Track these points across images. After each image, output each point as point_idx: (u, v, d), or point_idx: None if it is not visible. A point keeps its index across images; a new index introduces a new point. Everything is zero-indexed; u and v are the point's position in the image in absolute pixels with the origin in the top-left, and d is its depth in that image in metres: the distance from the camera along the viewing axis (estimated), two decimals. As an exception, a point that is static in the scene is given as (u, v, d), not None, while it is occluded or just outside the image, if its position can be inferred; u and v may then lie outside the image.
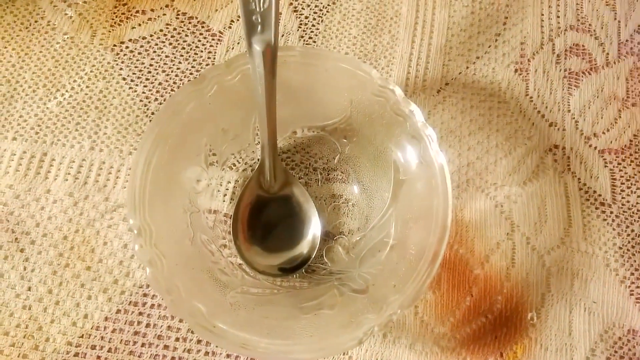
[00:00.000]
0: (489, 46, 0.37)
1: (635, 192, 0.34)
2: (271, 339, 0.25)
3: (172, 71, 0.36)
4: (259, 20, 0.24)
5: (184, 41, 0.36)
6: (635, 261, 0.33)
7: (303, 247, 0.31)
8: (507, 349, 0.31)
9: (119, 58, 0.36)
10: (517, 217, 0.33)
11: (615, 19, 0.38)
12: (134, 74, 0.35)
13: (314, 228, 0.31)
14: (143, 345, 0.30)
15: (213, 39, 0.37)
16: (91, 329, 0.30)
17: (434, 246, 0.26)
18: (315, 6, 0.38)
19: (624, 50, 0.37)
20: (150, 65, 0.36)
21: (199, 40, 0.37)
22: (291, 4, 0.38)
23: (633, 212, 0.34)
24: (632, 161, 0.35)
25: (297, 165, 0.34)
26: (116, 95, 0.35)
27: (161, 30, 0.37)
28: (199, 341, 0.30)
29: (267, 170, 0.31)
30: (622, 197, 0.34)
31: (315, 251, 0.31)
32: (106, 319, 0.30)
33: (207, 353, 0.30)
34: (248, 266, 0.31)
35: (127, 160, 0.33)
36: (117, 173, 0.33)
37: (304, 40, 0.37)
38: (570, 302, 0.32)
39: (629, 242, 0.33)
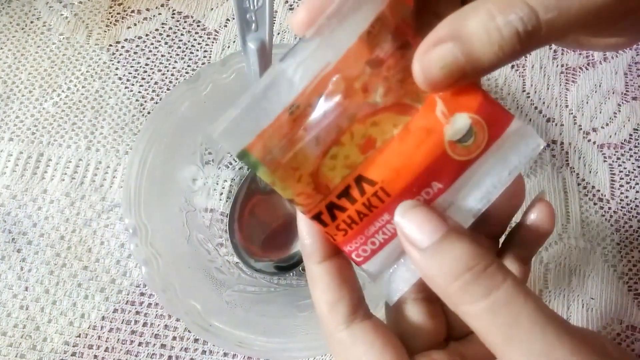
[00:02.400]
0: (486, 42, 0.37)
1: (634, 188, 0.34)
2: (267, 337, 0.25)
3: (167, 70, 0.36)
4: (253, 18, 0.24)
5: (180, 40, 0.36)
6: (633, 257, 0.32)
7: (300, 245, 0.31)
8: (505, 345, 0.31)
9: (114, 58, 0.36)
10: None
11: (613, 13, 0.38)
12: (129, 73, 0.35)
13: (310, 226, 0.31)
14: (140, 344, 0.30)
15: (209, 38, 0.37)
16: (88, 328, 0.30)
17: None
18: (311, 4, 0.38)
19: (622, 45, 0.37)
20: (146, 64, 0.36)
21: (195, 39, 0.36)
22: (287, 1, 0.38)
23: (632, 208, 0.33)
24: (631, 156, 0.35)
25: (293, 163, 0.34)
26: (112, 95, 0.35)
27: (157, 30, 0.37)
28: (196, 340, 0.30)
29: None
30: (621, 193, 0.34)
31: (312, 249, 0.31)
32: (103, 318, 0.30)
33: (204, 352, 0.30)
34: (245, 264, 0.31)
35: (123, 160, 0.33)
36: (114, 173, 0.33)
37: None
38: (568, 299, 0.31)
39: (627, 237, 0.33)
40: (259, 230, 0.31)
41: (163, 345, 0.30)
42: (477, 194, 0.18)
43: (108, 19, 0.37)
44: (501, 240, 0.21)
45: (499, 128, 0.17)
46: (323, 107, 0.17)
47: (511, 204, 0.20)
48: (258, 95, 0.17)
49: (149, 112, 0.35)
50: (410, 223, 0.17)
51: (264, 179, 0.18)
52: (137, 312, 0.31)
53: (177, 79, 0.35)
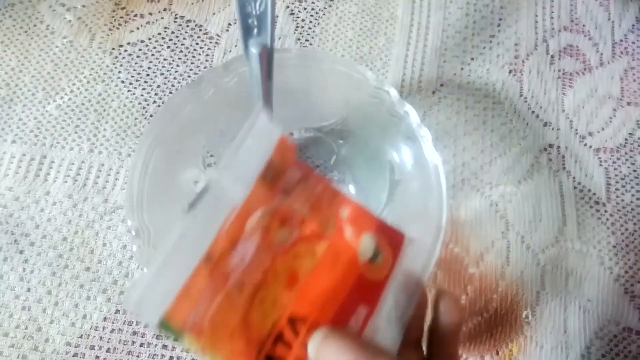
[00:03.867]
0: (484, 48, 0.38)
1: (629, 191, 0.34)
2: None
3: (170, 74, 0.36)
4: (255, 23, 0.25)
5: (182, 44, 0.37)
6: (629, 259, 0.33)
7: None
8: (503, 346, 0.31)
9: (117, 61, 0.36)
10: (512, 216, 0.33)
11: (609, 19, 0.39)
12: (132, 77, 0.36)
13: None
14: (142, 345, 0.30)
15: (211, 42, 0.37)
16: (90, 329, 0.31)
17: (429, 245, 0.27)
18: (312, 9, 0.38)
19: (618, 50, 0.38)
20: (149, 68, 0.36)
21: (197, 44, 0.37)
22: (288, 7, 0.38)
23: (627, 211, 0.34)
24: (627, 160, 0.35)
25: (294, 166, 0.34)
26: (115, 98, 0.35)
27: (159, 34, 0.37)
28: (197, 341, 0.31)
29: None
30: (617, 196, 0.34)
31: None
32: (105, 319, 0.31)
33: (205, 353, 0.30)
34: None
35: (126, 162, 0.34)
36: (116, 175, 0.34)
37: (301, 43, 0.37)
38: (565, 301, 0.32)
39: (623, 240, 0.33)
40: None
41: (164, 346, 0.30)
42: (396, 313, 0.18)
43: (111, 23, 0.37)
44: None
45: (398, 244, 0.19)
46: (241, 249, 0.17)
47: (417, 307, 0.20)
48: (169, 251, 0.16)
49: (151, 115, 0.35)
50: (329, 357, 0.16)
51: (191, 348, 0.16)
52: (139, 313, 0.31)
53: (179, 82, 0.36)
